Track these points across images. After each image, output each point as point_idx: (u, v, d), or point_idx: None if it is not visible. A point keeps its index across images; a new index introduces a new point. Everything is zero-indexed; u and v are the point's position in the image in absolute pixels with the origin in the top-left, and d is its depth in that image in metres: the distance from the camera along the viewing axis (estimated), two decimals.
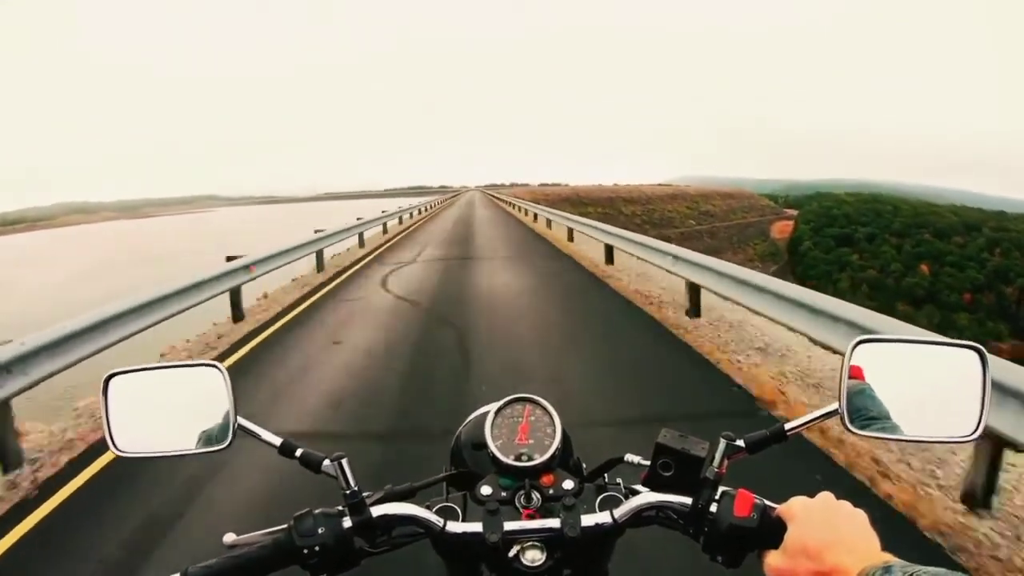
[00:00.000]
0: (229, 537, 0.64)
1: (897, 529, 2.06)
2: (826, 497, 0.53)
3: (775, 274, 5.72)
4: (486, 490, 0.65)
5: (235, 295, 5.75)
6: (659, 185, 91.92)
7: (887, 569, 0.43)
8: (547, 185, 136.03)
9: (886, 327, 2.83)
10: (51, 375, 3.07)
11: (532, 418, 0.71)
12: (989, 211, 66.53)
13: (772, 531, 0.54)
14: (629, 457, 0.70)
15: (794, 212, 79.73)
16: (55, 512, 2.44)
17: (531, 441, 0.69)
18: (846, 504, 0.52)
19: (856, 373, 0.60)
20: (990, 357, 0.58)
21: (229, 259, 5.81)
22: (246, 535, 0.63)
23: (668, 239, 7.32)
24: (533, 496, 0.64)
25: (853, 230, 60.09)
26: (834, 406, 0.60)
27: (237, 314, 5.76)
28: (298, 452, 0.64)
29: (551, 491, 0.64)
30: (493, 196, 50.96)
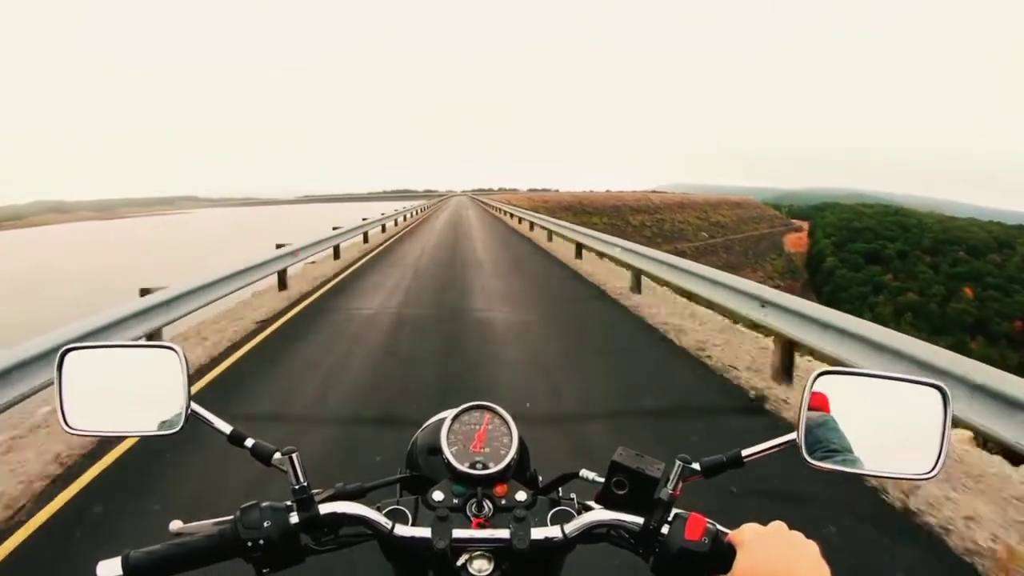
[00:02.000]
0: (175, 524, 0.66)
1: None
2: (778, 526, 0.56)
3: (800, 295, 4.95)
4: (438, 496, 0.67)
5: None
6: (654, 192, 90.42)
7: None
8: (536, 191, 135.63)
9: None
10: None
11: (490, 427, 0.74)
12: (1010, 225, 65.35)
13: (722, 556, 0.57)
14: (584, 473, 0.73)
15: (802, 223, 78.87)
16: None
17: (487, 450, 0.71)
18: (798, 535, 0.54)
19: (818, 404, 0.63)
20: (951, 395, 0.63)
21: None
22: (193, 523, 0.65)
23: (683, 255, 6.84)
24: (485, 505, 0.66)
25: (881, 246, 57.90)
26: (792, 436, 0.63)
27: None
28: (248, 442, 0.67)
29: (503, 501, 0.67)
30: (483, 203, 47.42)
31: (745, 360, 4.57)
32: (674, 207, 65.17)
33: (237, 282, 6.22)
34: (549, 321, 6.30)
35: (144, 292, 4.72)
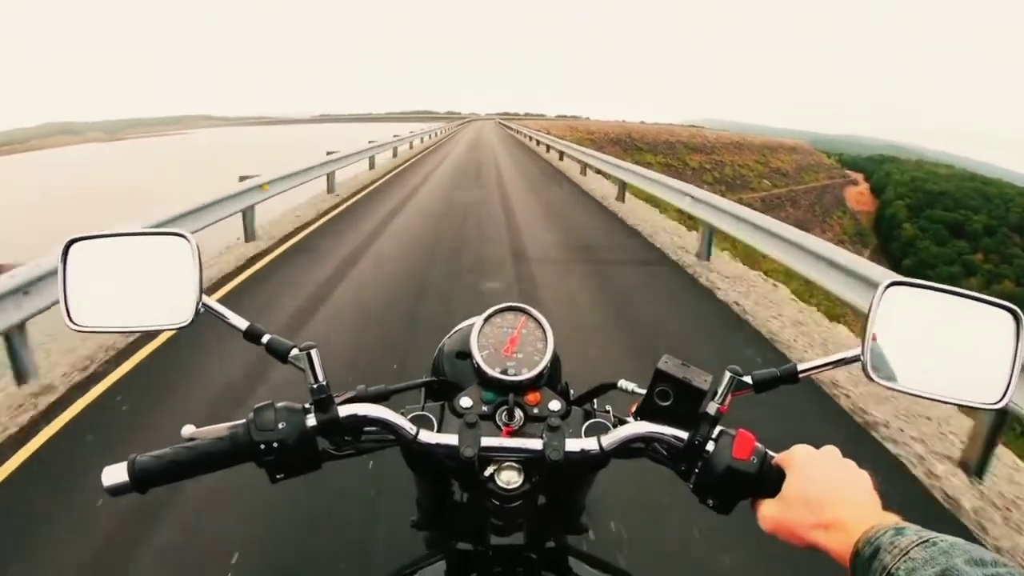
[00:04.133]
0: (188, 429, 0.67)
1: None
2: (830, 450, 0.56)
3: (873, 260, 4.32)
4: (466, 402, 0.67)
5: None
6: (692, 126, 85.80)
7: (899, 530, 0.44)
8: (565, 117, 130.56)
9: None
10: None
11: (524, 331, 0.73)
12: None
13: (770, 479, 0.56)
14: (623, 383, 0.72)
15: (856, 175, 74.17)
16: None
17: (520, 355, 0.71)
18: (850, 462, 0.54)
19: (882, 319, 0.61)
20: None
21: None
22: (206, 428, 0.66)
23: (750, 207, 5.60)
24: (516, 413, 0.66)
25: (964, 216, 52.67)
26: (855, 351, 0.61)
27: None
28: (265, 338, 0.67)
29: (536, 410, 0.66)
30: (511, 130, 42.53)
31: None
32: (731, 147, 60.76)
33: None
34: None
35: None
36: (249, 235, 6.62)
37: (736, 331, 4.20)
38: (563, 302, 4.67)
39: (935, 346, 0.63)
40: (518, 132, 36.52)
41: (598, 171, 12.55)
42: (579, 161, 14.25)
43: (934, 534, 0.43)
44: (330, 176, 9.97)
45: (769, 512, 0.55)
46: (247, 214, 6.56)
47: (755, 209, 5.40)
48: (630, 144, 48.39)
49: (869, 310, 0.62)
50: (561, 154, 17.95)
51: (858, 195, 67.97)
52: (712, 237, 6.08)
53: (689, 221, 8.12)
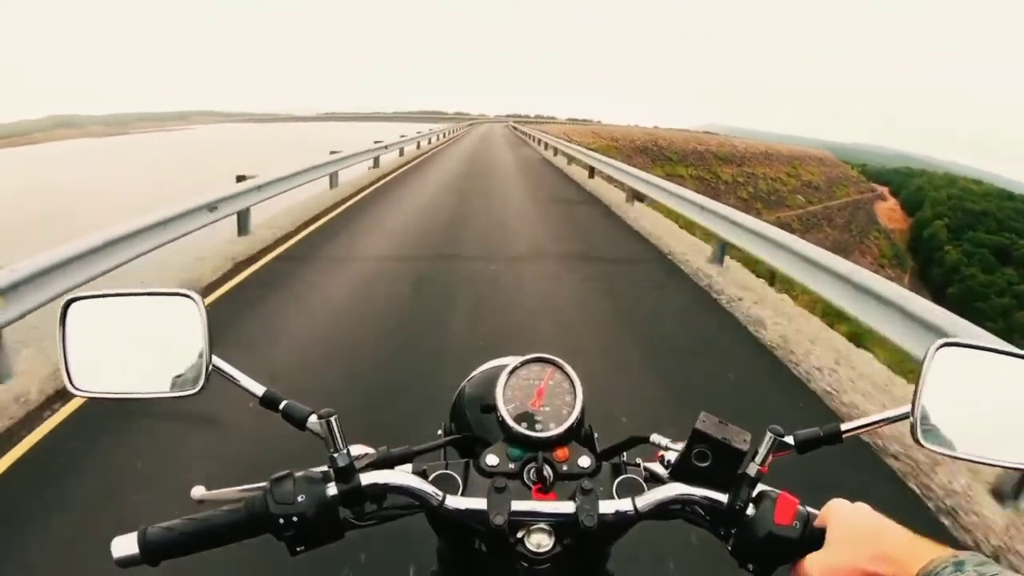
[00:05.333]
0: (198, 491, 0.67)
1: None
2: (863, 506, 0.57)
3: (913, 290, 3.88)
4: (492, 460, 0.67)
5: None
6: (706, 132, 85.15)
7: (959, 564, 0.45)
8: (576, 121, 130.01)
9: None
10: None
11: (551, 382, 0.73)
12: None
13: (810, 541, 0.57)
14: (655, 438, 0.72)
15: (881, 188, 72.73)
16: None
17: (547, 408, 0.70)
18: (886, 518, 0.55)
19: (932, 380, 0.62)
20: None
21: None
22: (217, 491, 0.66)
23: (789, 227, 5.36)
24: (545, 471, 0.65)
25: (1009, 240, 49.91)
26: (904, 409, 0.61)
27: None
28: (282, 404, 0.67)
29: (565, 467, 0.66)
30: (524, 136, 35.25)
31: None
32: (760, 158, 59.72)
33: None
34: None
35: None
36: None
37: None
38: None
39: (988, 408, 0.63)
40: (527, 139, 31.86)
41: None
42: (628, 188, 10.24)
43: (996, 567, 0.44)
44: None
45: (815, 564, 0.55)
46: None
47: (795, 230, 5.25)
48: (658, 154, 46.93)
49: (920, 371, 0.62)
50: (591, 170, 13.86)
51: (889, 211, 67.17)
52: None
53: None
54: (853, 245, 46.70)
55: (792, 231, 5.43)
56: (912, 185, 70.96)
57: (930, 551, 0.48)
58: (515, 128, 50.76)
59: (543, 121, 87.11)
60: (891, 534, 0.52)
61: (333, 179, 10.46)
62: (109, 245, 4.20)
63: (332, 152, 10.29)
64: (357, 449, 0.68)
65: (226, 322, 4.25)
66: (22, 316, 3.33)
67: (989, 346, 0.64)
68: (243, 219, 6.94)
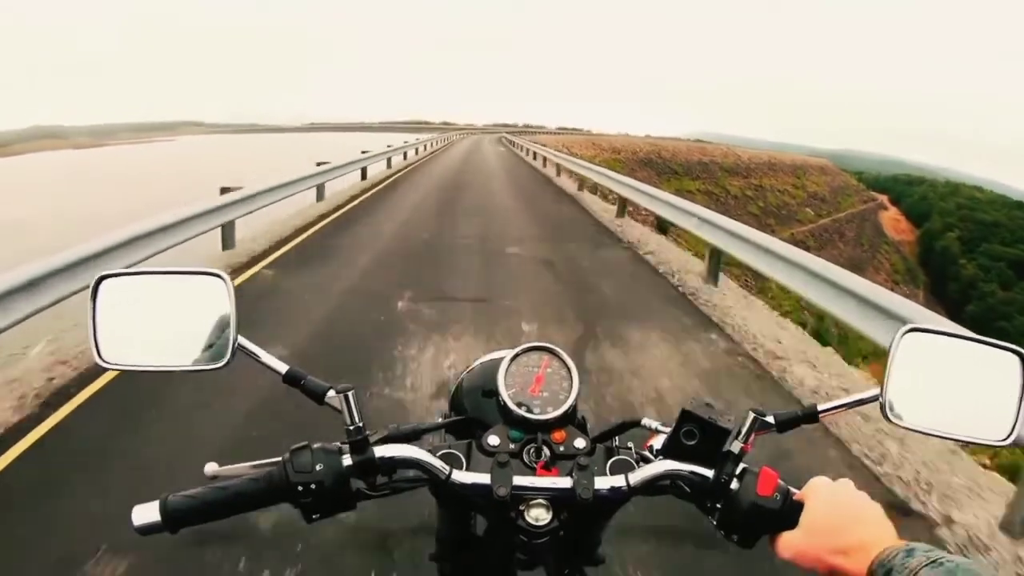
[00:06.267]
0: (211, 467, 0.72)
1: None
2: (845, 482, 0.63)
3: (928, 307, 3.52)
4: (494, 440, 0.73)
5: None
6: (698, 141, 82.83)
7: (909, 551, 0.52)
8: (565, 130, 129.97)
9: None
10: None
11: (549, 370, 0.80)
12: None
13: (790, 514, 0.63)
14: (647, 422, 0.82)
15: (881, 197, 72.23)
16: None
17: (545, 393, 0.78)
18: (863, 494, 0.62)
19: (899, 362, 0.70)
20: None
21: None
22: (229, 466, 0.71)
23: (804, 244, 4.84)
24: (543, 451, 0.72)
25: (1022, 252, 49.54)
26: (874, 391, 0.69)
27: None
28: (302, 381, 0.72)
29: (561, 448, 0.73)
30: (517, 151, 30.02)
31: None
32: (764, 168, 58.85)
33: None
34: None
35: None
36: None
37: None
38: None
39: (948, 387, 0.71)
40: (521, 153, 26.95)
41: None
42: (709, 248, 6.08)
43: (942, 554, 0.50)
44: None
45: (790, 542, 0.61)
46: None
47: (810, 247, 4.98)
48: (663, 166, 44.97)
49: (888, 354, 0.70)
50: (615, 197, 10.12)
51: (894, 222, 67.12)
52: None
53: None
54: (867, 261, 46.34)
55: (808, 249, 5.41)
56: (914, 194, 70.95)
57: (888, 540, 0.55)
58: (508, 140, 41.89)
59: (533, 131, 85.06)
60: (858, 523, 0.58)
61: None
62: (79, 264, 3.82)
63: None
64: None
65: None
66: None
67: (947, 331, 0.72)
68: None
